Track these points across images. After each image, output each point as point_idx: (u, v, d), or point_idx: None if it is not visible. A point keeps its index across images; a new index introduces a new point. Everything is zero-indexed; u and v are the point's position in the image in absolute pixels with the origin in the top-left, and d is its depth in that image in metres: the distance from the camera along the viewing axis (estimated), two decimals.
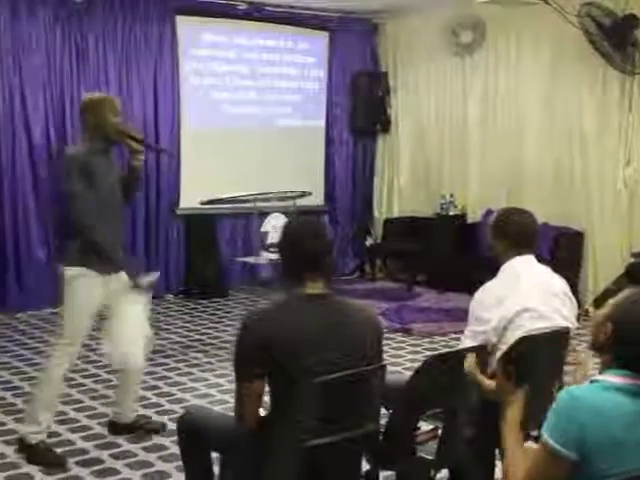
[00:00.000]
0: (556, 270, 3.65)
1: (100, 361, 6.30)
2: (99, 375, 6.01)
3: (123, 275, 4.43)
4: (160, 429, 4.87)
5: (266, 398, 2.90)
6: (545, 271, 3.61)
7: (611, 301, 2.25)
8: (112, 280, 4.39)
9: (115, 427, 4.84)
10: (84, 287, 4.30)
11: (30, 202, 7.89)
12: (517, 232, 3.54)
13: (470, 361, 2.53)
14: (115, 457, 4.49)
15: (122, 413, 4.81)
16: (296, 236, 2.98)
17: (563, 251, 7.80)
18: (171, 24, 8.60)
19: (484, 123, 8.96)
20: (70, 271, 4.33)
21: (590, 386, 2.15)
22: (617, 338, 2.17)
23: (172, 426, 4.74)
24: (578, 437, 2.04)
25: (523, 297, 3.37)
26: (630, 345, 2.14)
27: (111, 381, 5.78)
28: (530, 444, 2.38)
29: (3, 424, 4.97)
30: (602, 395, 2.09)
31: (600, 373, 2.20)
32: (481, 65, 8.96)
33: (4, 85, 7.69)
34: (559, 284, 3.57)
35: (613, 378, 2.13)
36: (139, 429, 4.83)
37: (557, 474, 2.09)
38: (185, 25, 8.74)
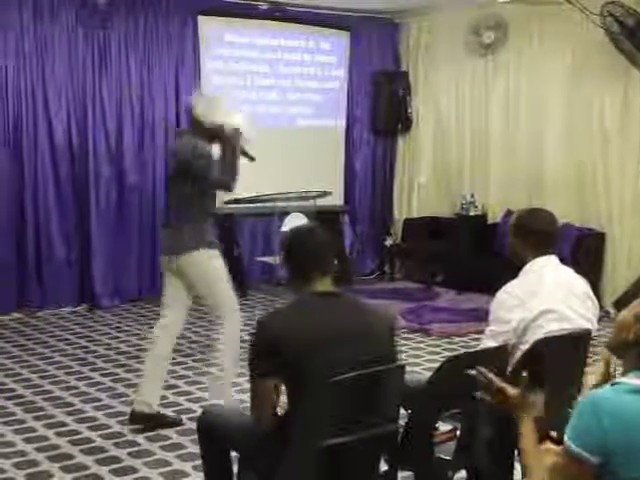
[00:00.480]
0: (577, 271, 3.63)
1: (118, 360, 6.34)
2: (117, 374, 6.02)
3: None
4: (179, 422, 4.90)
5: (284, 397, 2.90)
6: (567, 272, 3.58)
7: (637, 302, 2.22)
8: None
9: (135, 417, 4.86)
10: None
11: (51, 202, 7.93)
12: (537, 232, 3.52)
13: (484, 371, 2.52)
14: (133, 456, 4.50)
15: (144, 402, 4.84)
16: (297, 238, 3.05)
17: (584, 252, 7.75)
18: (193, 24, 8.62)
19: (506, 123, 8.91)
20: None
21: (612, 389, 2.12)
22: (634, 336, 2.15)
23: (191, 425, 4.75)
24: (600, 441, 2.02)
25: (545, 298, 3.35)
26: None
27: (130, 380, 5.80)
28: (548, 445, 2.36)
29: (22, 421, 4.99)
30: (624, 398, 2.06)
31: (622, 375, 2.18)
32: (503, 65, 8.92)
33: (27, 86, 7.73)
34: (581, 285, 3.55)
35: (634, 380, 2.10)
36: (158, 421, 4.86)
37: (579, 478, 2.07)
38: (207, 25, 8.75)
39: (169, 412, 5.16)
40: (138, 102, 8.31)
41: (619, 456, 2.02)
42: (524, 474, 2.40)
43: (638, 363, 2.14)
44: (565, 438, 2.09)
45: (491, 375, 2.41)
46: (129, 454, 4.51)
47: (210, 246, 4.93)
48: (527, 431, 2.34)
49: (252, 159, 5.37)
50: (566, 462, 2.09)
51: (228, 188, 4.95)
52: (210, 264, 4.93)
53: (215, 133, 4.95)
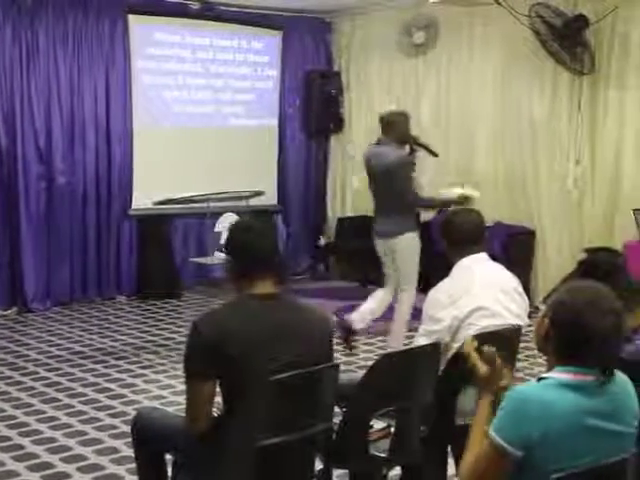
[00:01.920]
0: (508, 268, 3.69)
1: (49, 364, 6.25)
2: (49, 378, 5.93)
3: None
4: None
5: (218, 399, 2.89)
6: (497, 269, 3.64)
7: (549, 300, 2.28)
8: None
9: None
10: (419, 244, 6.18)
11: None
12: (464, 231, 3.57)
13: (469, 341, 2.54)
14: (66, 461, 4.44)
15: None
16: (244, 237, 3.00)
17: (515, 249, 7.86)
18: (123, 23, 8.51)
19: (437, 122, 8.99)
20: (411, 234, 6.09)
21: (537, 384, 2.17)
22: (555, 332, 2.20)
23: (125, 428, 4.70)
24: (526, 435, 2.07)
25: (476, 296, 3.39)
26: (567, 336, 2.17)
27: (61, 384, 5.73)
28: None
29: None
30: (549, 393, 2.12)
31: (548, 371, 2.22)
32: (434, 65, 8.99)
33: None
34: (510, 281, 3.61)
35: (559, 375, 2.15)
36: None
37: (502, 470, 2.12)
38: (137, 24, 8.65)
39: (102, 416, 5.11)
40: (67, 101, 8.17)
41: (542, 450, 2.07)
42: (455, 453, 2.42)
43: (558, 358, 2.19)
44: (490, 430, 2.12)
45: (469, 349, 2.44)
46: (61, 460, 4.45)
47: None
48: (481, 412, 2.37)
49: (435, 155, 6.70)
50: (490, 453, 2.13)
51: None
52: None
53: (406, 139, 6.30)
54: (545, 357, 2.29)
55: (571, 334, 2.16)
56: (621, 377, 2.23)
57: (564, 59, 7.36)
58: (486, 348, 2.37)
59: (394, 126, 6.28)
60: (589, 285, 2.23)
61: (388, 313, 7.77)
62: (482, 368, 2.39)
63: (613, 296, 2.20)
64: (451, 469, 3.47)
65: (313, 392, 2.91)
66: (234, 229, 3.09)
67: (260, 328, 2.81)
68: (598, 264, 2.85)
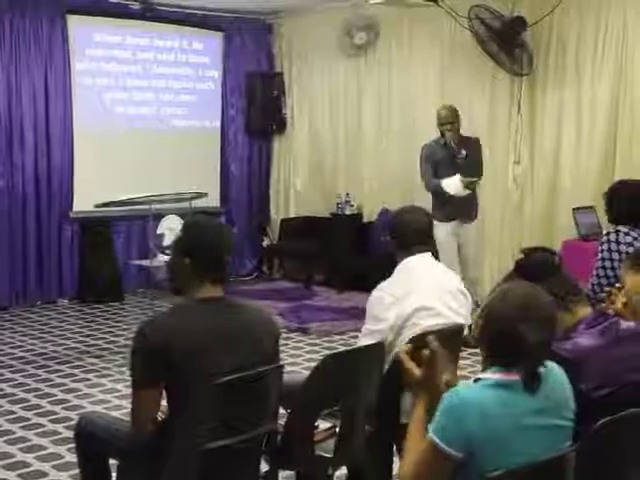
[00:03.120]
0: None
1: None
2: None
3: None
4: None
5: (164, 402, 2.88)
6: (441, 268, 3.68)
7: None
8: None
9: None
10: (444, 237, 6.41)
11: None
12: (409, 230, 3.60)
13: (403, 347, 2.55)
14: (7, 468, 4.38)
15: None
16: (202, 237, 2.94)
17: None
18: (62, 24, 8.41)
19: (378, 123, 9.05)
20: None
21: (474, 385, 2.21)
22: (486, 336, 2.24)
23: (68, 434, 4.65)
24: (464, 436, 2.09)
25: (419, 295, 3.42)
26: (497, 342, 2.21)
27: (2, 390, 5.65)
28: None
29: None
30: (485, 393, 2.15)
31: (482, 371, 2.25)
32: (375, 66, 9.05)
33: None
34: (454, 281, 3.65)
35: (493, 375, 2.19)
36: None
37: (442, 471, 2.14)
38: (76, 25, 8.56)
39: (45, 421, 5.05)
40: (5, 103, 8.06)
41: (482, 450, 2.10)
42: (400, 452, 2.44)
43: (491, 359, 2.22)
44: (430, 432, 2.15)
45: (402, 355, 2.45)
46: (3, 467, 4.38)
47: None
48: (417, 414, 2.39)
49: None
50: (429, 454, 2.15)
51: None
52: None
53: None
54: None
55: (500, 341, 2.20)
56: (556, 370, 2.27)
57: (503, 60, 7.45)
58: (425, 351, 2.38)
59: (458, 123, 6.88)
60: (521, 290, 2.26)
61: (336, 315, 7.83)
62: (415, 371, 2.40)
63: (545, 300, 2.24)
64: (396, 468, 3.50)
65: (258, 394, 2.91)
66: (189, 228, 3.02)
67: (205, 332, 2.80)
68: (535, 264, 2.89)
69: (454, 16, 7.56)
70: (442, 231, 6.39)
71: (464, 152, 6.70)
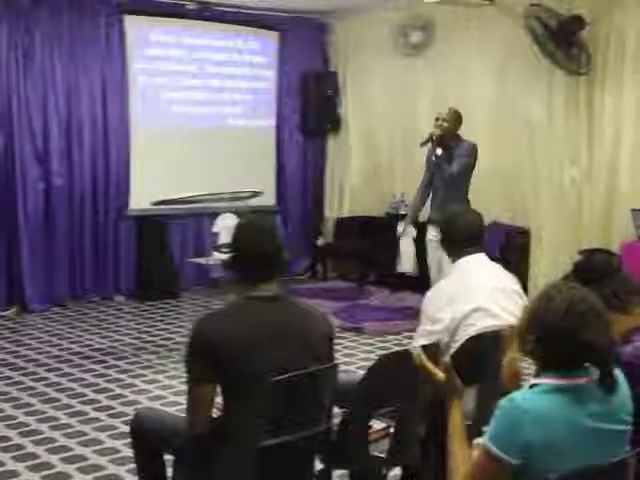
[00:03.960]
0: (506, 268, 3.70)
1: (49, 364, 6.26)
2: (48, 378, 5.94)
3: None
4: None
5: (219, 399, 2.90)
6: (495, 269, 3.66)
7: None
8: None
9: None
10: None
11: None
12: (463, 232, 3.59)
13: (420, 355, 2.54)
14: (68, 461, 4.45)
15: None
16: (252, 237, 2.97)
17: (513, 249, 7.88)
18: (119, 24, 8.53)
19: (434, 122, 8.99)
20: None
21: (530, 391, 2.17)
22: (538, 339, 2.20)
23: (124, 429, 4.71)
24: (521, 443, 2.07)
25: (474, 296, 3.40)
26: (550, 343, 2.17)
27: (61, 384, 5.74)
28: (480, 441, 2.40)
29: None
30: (541, 398, 2.12)
31: (535, 376, 2.22)
32: (430, 65, 9.01)
33: None
34: (509, 281, 3.63)
35: (550, 380, 2.15)
36: None
37: (499, 478, 2.12)
38: (134, 25, 8.66)
39: (102, 416, 5.13)
40: (64, 102, 8.19)
41: (540, 455, 2.07)
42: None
43: (546, 363, 2.19)
44: (486, 438, 2.13)
45: (425, 361, 2.44)
46: (62, 460, 4.46)
47: None
48: (455, 416, 2.38)
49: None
50: (486, 461, 2.13)
51: None
52: None
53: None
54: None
55: (565, 349, 2.15)
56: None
57: (560, 60, 7.37)
58: (443, 360, 2.36)
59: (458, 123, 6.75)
60: (577, 295, 2.20)
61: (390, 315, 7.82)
62: (438, 374, 2.39)
63: (596, 300, 2.19)
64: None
65: (312, 393, 2.92)
66: (241, 228, 3.05)
67: (259, 330, 2.82)
68: (594, 266, 2.86)
69: (511, 15, 7.50)
70: (429, 233, 6.59)
71: (439, 151, 6.53)
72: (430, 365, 2.42)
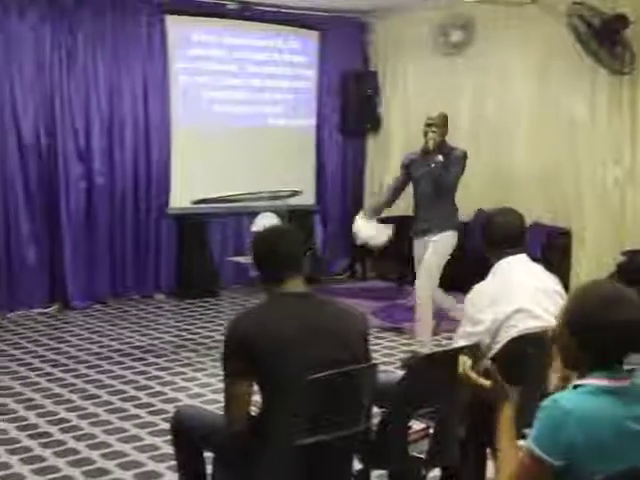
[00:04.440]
0: (547, 269, 3.67)
1: (89, 361, 6.31)
2: (89, 375, 6.00)
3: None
4: None
5: (257, 397, 2.91)
6: (537, 270, 3.63)
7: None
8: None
9: None
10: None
11: (21, 202, 7.88)
12: (503, 232, 3.56)
13: (464, 361, 2.52)
14: (107, 457, 4.49)
15: None
16: (267, 240, 3.07)
17: (554, 250, 7.81)
18: (161, 23, 8.59)
19: (474, 122, 8.96)
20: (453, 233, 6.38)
21: (574, 392, 2.14)
22: (576, 336, 2.17)
23: (164, 426, 4.74)
24: (565, 444, 2.04)
25: (516, 297, 3.38)
26: (606, 348, 2.13)
27: (102, 381, 5.79)
28: (523, 442, 2.38)
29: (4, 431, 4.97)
30: (585, 399, 2.09)
31: (579, 377, 2.18)
32: (471, 65, 8.95)
33: None
34: (551, 282, 3.59)
35: (594, 381, 2.12)
36: None
37: (541, 478, 2.10)
38: (175, 25, 8.72)
39: (142, 413, 5.17)
40: (106, 102, 8.27)
41: (584, 457, 2.04)
42: (494, 455, 2.41)
43: (591, 364, 2.16)
44: (529, 440, 2.11)
45: (467, 366, 2.43)
46: (102, 456, 4.50)
47: None
48: (505, 417, 2.36)
49: None
50: (529, 463, 2.11)
51: None
52: None
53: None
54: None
55: (617, 348, 2.13)
56: None
57: (604, 59, 7.29)
58: (484, 363, 2.34)
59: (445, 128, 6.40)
60: (608, 287, 2.19)
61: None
62: (485, 383, 2.37)
63: (632, 293, 2.16)
64: (490, 471, 3.46)
65: (351, 392, 2.92)
66: (255, 240, 3.15)
67: (296, 326, 2.83)
68: (637, 266, 2.83)
69: (553, 14, 7.43)
70: (420, 242, 6.52)
71: (440, 157, 6.17)
72: (474, 375, 2.40)
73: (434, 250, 6.35)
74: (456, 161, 6.25)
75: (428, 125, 6.28)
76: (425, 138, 6.27)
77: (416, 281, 6.45)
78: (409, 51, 9.56)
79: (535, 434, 2.10)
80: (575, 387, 2.15)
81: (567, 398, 2.11)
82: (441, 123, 6.31)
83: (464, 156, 6.31)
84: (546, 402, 2.11)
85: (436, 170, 6.19)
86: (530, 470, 2.11)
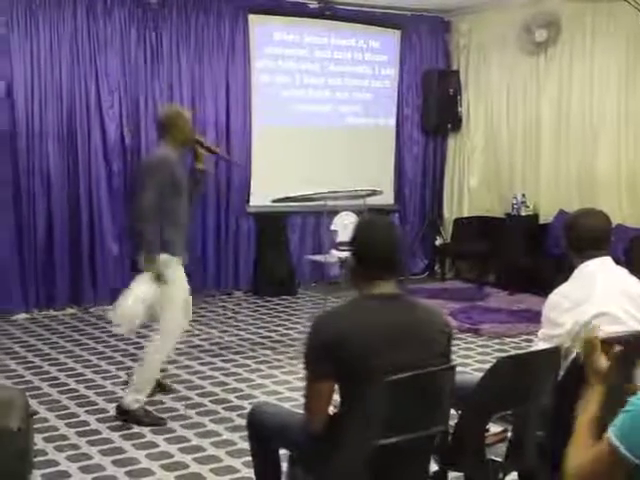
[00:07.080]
0: (631, 272, 3.58)
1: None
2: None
3: None
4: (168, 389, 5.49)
5: (336, 396, 2.90)
6: (621, 273, 3.54)
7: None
8: None
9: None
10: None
11: (104, 199, 8.03)
12: (588, 234, 3.48)
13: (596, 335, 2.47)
14: (184, 451, 4.55)
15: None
16: (371, 236, 2.96)
17: (638, 253, 7.64)
18: (243, 23, 8.67)
19: (558, 123, 8.82)
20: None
21: None
22: None
23: (241, 422, 4.78)
24: None
25: (599, 301, 3.30)
26: None
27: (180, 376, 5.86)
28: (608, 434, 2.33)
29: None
30: None
31: None
32: (555, 63, 8.82)
33: (80, 84, 7.85)
34: (635, 286, 3.50)
35: None
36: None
37: (616, 474, 2.05)
38: (257, 24, 8.80)
39: (219, 409, 5.21)
40: (189, 101, 8.37)
41: None
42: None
43: None
44: (611, 434, 2.06)
45: (595, 341, 2.38)
46: (180, 450, 4.55)
47: None
48: (591, 408, 2.31)
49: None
50: (606, 456, 2.06)
51: None
52: None
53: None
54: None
55: None
56: None
57: None
58: (617, 347, 2.29)
59: (169, 127, 5.00)
60: None
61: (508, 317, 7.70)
62: (602, 361, 2.31)
63: None
64: None
65: (430, 393, 2.89)
66: (360, 227, 3.05)
67: (378, 329, 2.81)
68: None
69: None
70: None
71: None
72: (599, 348, 2.35)
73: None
74: None
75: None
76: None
77: None
78: (492, 49, 9.46)
79: (619, 428, 2.04)
80: None
81: None
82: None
83: None
84: (634, 399, 2.06)
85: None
86: (605, 462, 2.06)
